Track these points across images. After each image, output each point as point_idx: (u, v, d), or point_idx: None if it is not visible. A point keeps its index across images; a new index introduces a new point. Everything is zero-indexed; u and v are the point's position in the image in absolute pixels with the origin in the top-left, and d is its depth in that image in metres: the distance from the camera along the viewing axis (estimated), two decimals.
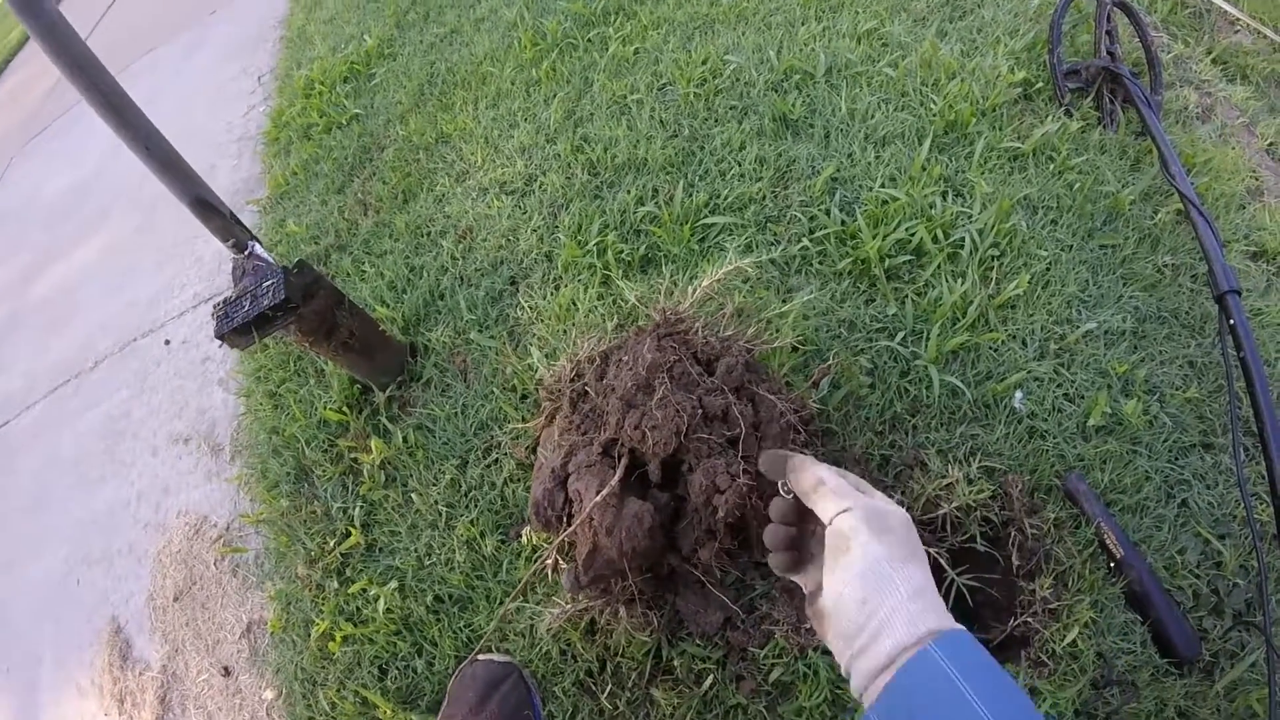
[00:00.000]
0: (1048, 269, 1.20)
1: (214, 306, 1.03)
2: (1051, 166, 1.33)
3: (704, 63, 1.64)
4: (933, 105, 1.43)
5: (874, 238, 1.23)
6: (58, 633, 1.49)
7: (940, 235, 1.23)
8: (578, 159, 1.55)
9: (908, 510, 0.70)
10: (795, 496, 0.70)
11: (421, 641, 1.10)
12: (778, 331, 1.12)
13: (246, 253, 1.03)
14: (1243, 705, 0.86)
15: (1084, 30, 1.56)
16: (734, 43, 1.69)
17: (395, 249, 1.60)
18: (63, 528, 1.65)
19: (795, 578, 0.71)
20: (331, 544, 1.24)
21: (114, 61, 0.90)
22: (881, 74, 1.51)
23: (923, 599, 0.55)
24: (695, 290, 1.03)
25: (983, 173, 1.32)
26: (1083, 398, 1.08)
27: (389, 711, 1.05)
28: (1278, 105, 1.53)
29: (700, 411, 0.90)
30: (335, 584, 1.20)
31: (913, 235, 1.23)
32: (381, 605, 1.12)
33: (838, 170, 1.37)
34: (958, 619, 0.56)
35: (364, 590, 1.16)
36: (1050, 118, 1.39)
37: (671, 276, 1.28)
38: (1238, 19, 1.69)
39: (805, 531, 0.71)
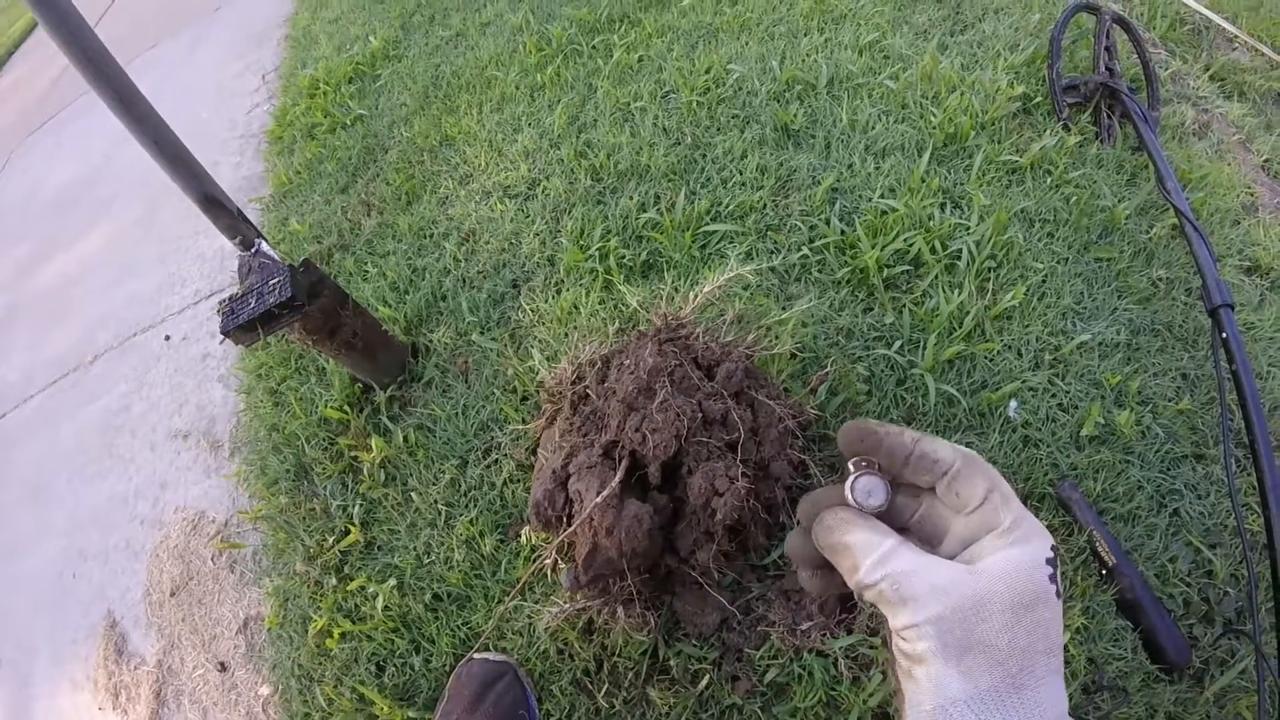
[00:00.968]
0: (1043, 281, 1.22)
1: (219, 303, 1.04)
2: (1049, 180, 1.35)
3: (707, 71, 1.66)
4: (933, 118, 1.45)
5: (873, 248, 1.25)
6: (53, 626, 1.49)
7: (938, 246, 1.25)
8: (581, 164, 1.57)
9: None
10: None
11: (419, 639, 1.11)
12: (777, 338, 1.14)
13: (253, 250, 1.04)
14: (1232, 712, 0.88)
15: (1083, 46, 1.58)
16: (737, 52, 1.71)
17: (398, 250, 1.61)
18: (59, 521, 1.65)
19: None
20: (330, 541, 1.25)
21: (117, 56, 0.90)
22: (882, 86, 1.53)
23: None
24: (696, 296, 1.04)
25: (981, 185, 1.34)
26: (1076, 408, 1.10)
27: (386, 708, 1.05)
28: (1274, 122, 1.55)
29: (700, 416, 0.91)
30: (334, 581, 1.21)
31: (911, 246, 1.25)
32: (380, 603, 1.13)
33: (838, 180, 1.38)
34: None
35: (362, 587, 1.17)
36: (1048, 132, 1.41)
37: (673, 282, 1.29)
38: (1235, 36, 1.71)
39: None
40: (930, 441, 0.43)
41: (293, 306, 1.01)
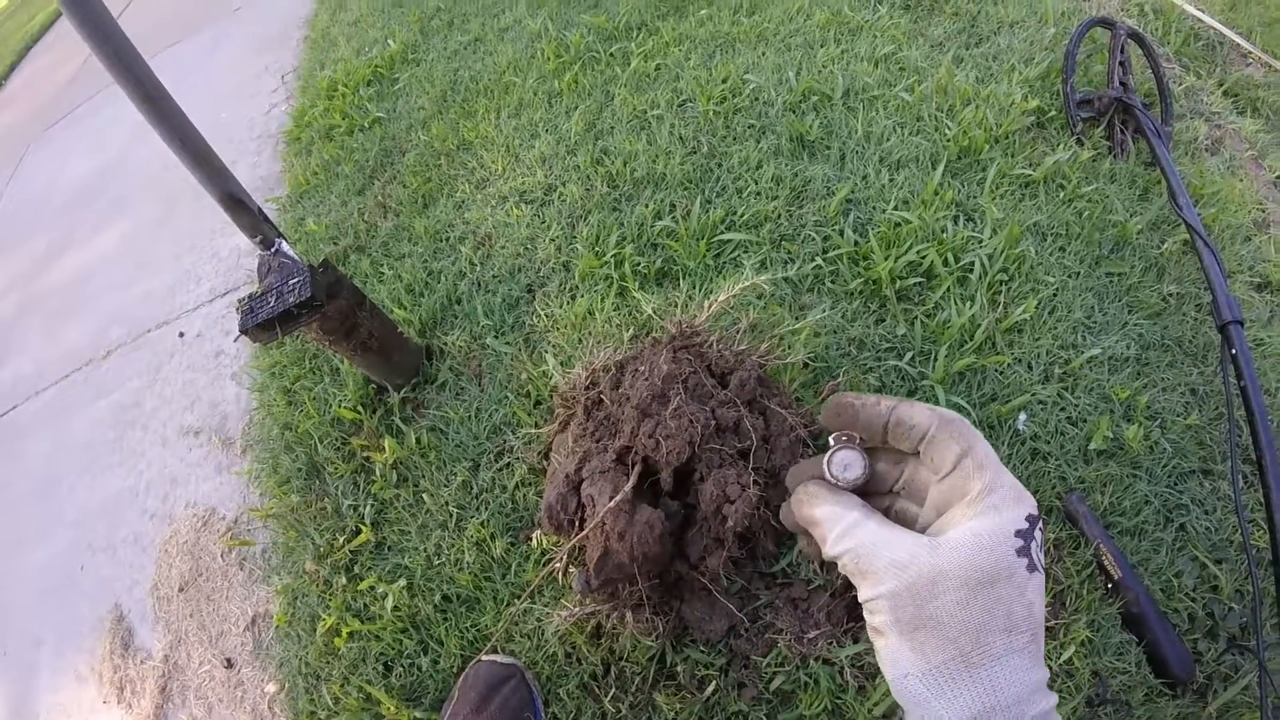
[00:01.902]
0: (1055, 295, 1.23)
1: (238, 301, 1.05)
2: (1062, 194, 1.36)
3: (724, 81, 1.67)
4: (947, 130, 1.46)
5: (886, 259, 1.25)
6: (59, 618, 1.50)
7: (951, 259, 1.26)
8: (597, 171, 1.58)
9: None
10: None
11: (428, 640, 1.12)
12: (790, 348, 1.15)
13: (273, 250, 1.05)
14: None
15: (1098, 60, 1.59)
16: (754, 62, 1.73)
17: (414, 252, 1.62)
18: (68, 514, 1.66)
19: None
20: (341, 541, 1.25)
21: None
22: (898, 98, 1.54)
23: None
24: (711, 305, 1.05)
25: (994, 198, 1.35)
26: (1085, 421, 1.10)
27: (392, 708, 1.06)
28: None
29: (713, 423, 0.92)
30: (343, 580, 1.22)
31: (924, 258, 1.26)
32: (389, 603, 1.14)
33: (852, 191, 1.39)
34: None
35: (372, 587, 1.18)
36: (1062, 146, 1.42)
37: (687, 290, 1.30)
38: (1250, 52, 1.72)
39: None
40: (906, 407, 0.42)
41: (312, 306, 1.02)
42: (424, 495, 1.24)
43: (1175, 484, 1.06)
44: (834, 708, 0.93)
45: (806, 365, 1.16)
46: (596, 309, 1.33)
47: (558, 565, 1.00)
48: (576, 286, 1.41)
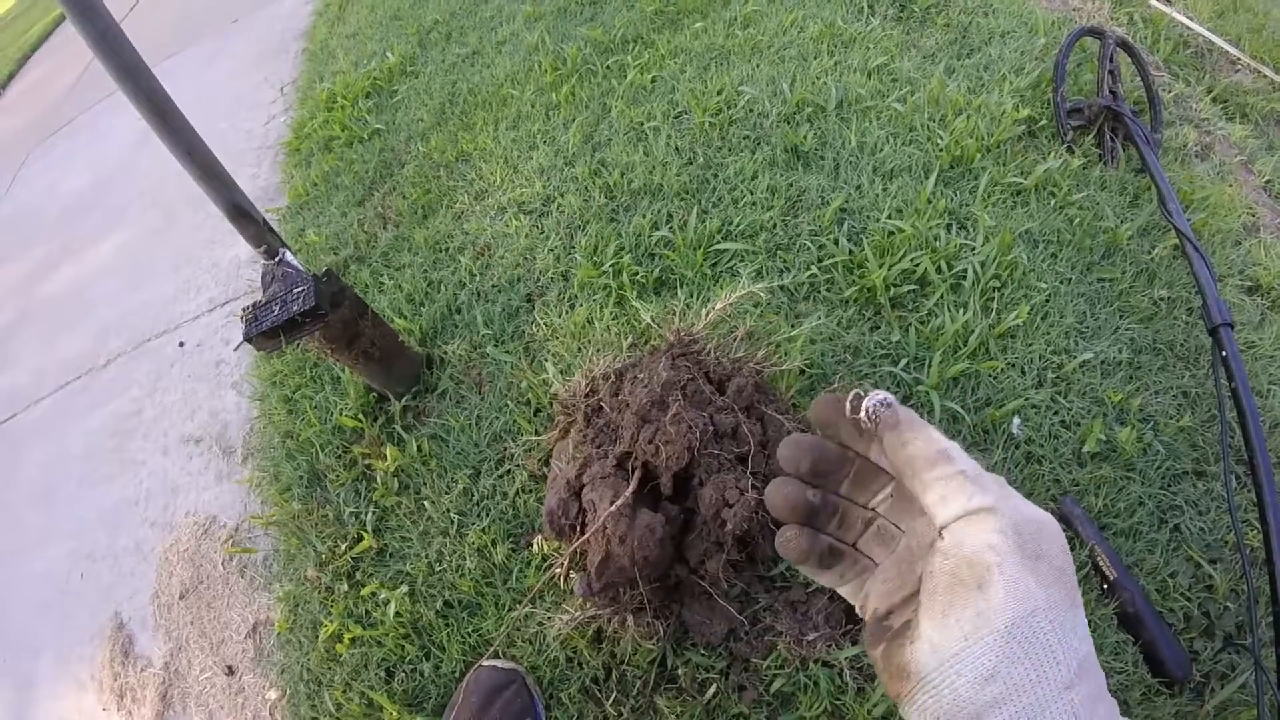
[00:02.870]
0: (1047, 300, 1.25)
1: (243, 309, 1.06)
2: (1053, 202, 1.38)
3: (719, 93, 1.69)
4: (939, 140, 1.48)
5: (880, 267, 1.27)
6: (59, 627, 1.50)
7: (944, 266, 1.28)
8: (595, 182, 1.60)
9: None
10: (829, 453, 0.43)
11: (430, 645, 1.12)
12: (786, 355, 1.16)
13: (277, 259, 1.06)
14: None
15: (1087, 69, 1.62)
16: (748, 74, 1.75)
17: (414, 263, 1.64)
18: (68, 523, 1.67)
19: (827, 582, 0.45)
20: (342, 548, 1.26)
21: None
22: (890, 109, 1.57)
23: (1086, 681, 0.32)
24: (708, 313, 1.07)
25: (986, 207, 1.37)
26: (1079, 425, 1.12)
27: (395, 713, 1.07)
28: (1276, 143, 1.58)
29: (712, 428, 0.93)
30: (345, 587, 1.22)
31: (917, 266, 1.27)
32: (391, 609, 1.14)
33: (846, 201, 1.41)
34: None
35: (374, 594, 1.19)
36: (1053, 154, 1.44)
37: (685, 299, 1.32)
38: (1238, 59, 1.75)
39: (841, 511, 0.44)
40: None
41: (315, 315, 1.04)
42: (425, 502, 1.25)
43: (1169, 485, 1.07)
44: (834, 709, 0.94)
45: (803, 372, 1.18)
46: (595, 318, 1.34)
47: (559, 570, 1.00)
48: (575, 296, 1.43)
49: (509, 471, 1.24)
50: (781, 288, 1.32)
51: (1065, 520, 1.02)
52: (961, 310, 1.22)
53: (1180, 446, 1.10)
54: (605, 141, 1.72)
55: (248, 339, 1.03)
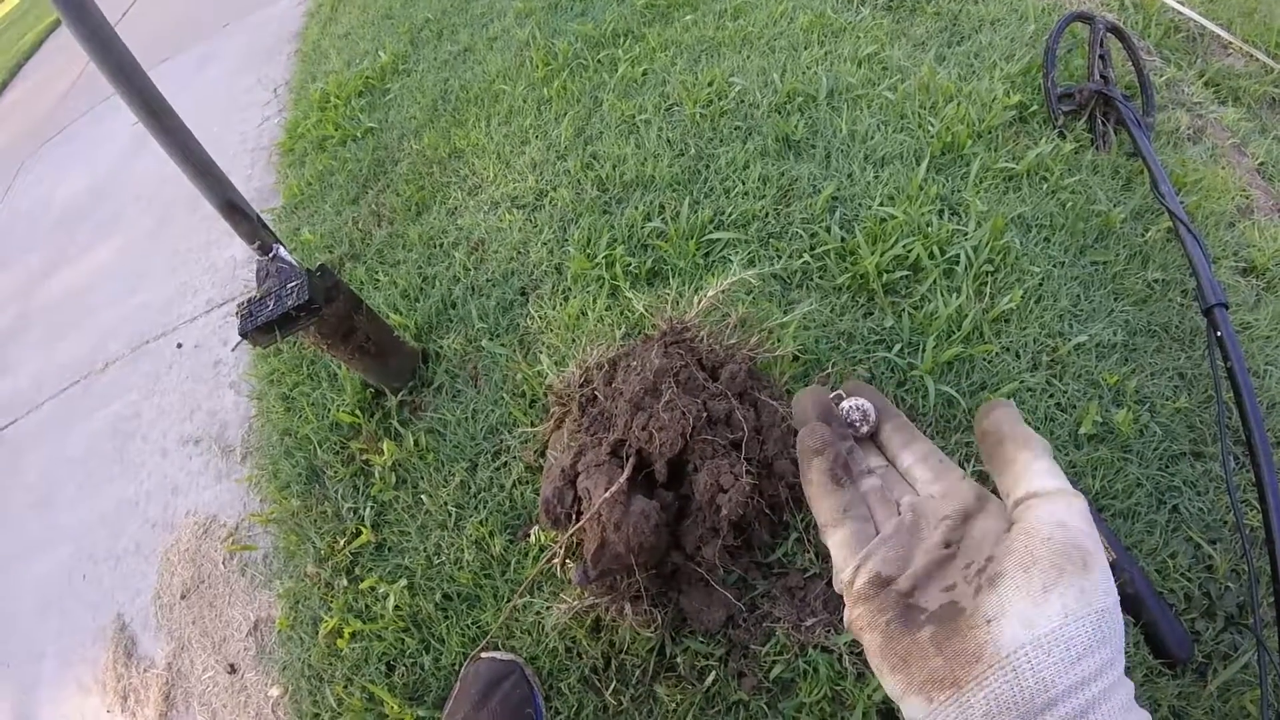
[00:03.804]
0: (1040, 284, 1.24)
1: (238, 305, 1.07)
2: (1045, 186, 1.38)
3: (710, 85, 1.69)
4: (930, 127, 1.48)
5: (872, 254, 1.27)
6: (61, 629, 1.50)
7: (936, 252, 1.28)
8: (587, 175, 1.60)
9: None
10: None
11: (429, 638, 1.13)
12: (779, 341, 1.16)
13: (271, 255, 1.07)
14: (1236, 706, 0.89)
15: (1078, 55, 1.61)
16: (739, 66, 1.75)
17: (408, 259, 1.64)
18: (69, 525, 1.67)
19: (827, 512, 0.42)
20: (341, 543, 1.26)
21: None
22: (881, 97, 1.57)
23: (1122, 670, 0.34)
24: (700, 301, 1.07)
25: (978, 192, 1.37)
26: (1074, 407, 1.12)
27: (396, 707, 1.07)
28: (1269, 126, 1.57)
29: (705, 415, 0.93)
30: (344, 582, 1.22)
31: (910, 252, 1.27)
32: (391, 603, 1.15)
33: (838, 189, 1.41)
34: None
35: (373, 588, 1.19)
36: (1044, 139, 1.44)
37: (678, 288, 1.32)
38: (1230, 43, 1.74)
39: (852, 450, 0.47)
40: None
41: (310, 309, 1.04)
42: (423, 496, 1.25)
43: (1166, 466, 1.07)
44: (833, 694, 0.94)
45: (796, 358, 1.18)
46: (589, 309, 1.34)
47: (555, 558, 1.00)
48: (569, 288, 1.43)
49: (505, 464, 1.24)
50: (774, 275, 1.32)
51: None
52: (955, 295, 1.22)
53: (1177, 428, 1.10)
54: (597, 135, 1.72)
55: (243, 334, 1.03)
